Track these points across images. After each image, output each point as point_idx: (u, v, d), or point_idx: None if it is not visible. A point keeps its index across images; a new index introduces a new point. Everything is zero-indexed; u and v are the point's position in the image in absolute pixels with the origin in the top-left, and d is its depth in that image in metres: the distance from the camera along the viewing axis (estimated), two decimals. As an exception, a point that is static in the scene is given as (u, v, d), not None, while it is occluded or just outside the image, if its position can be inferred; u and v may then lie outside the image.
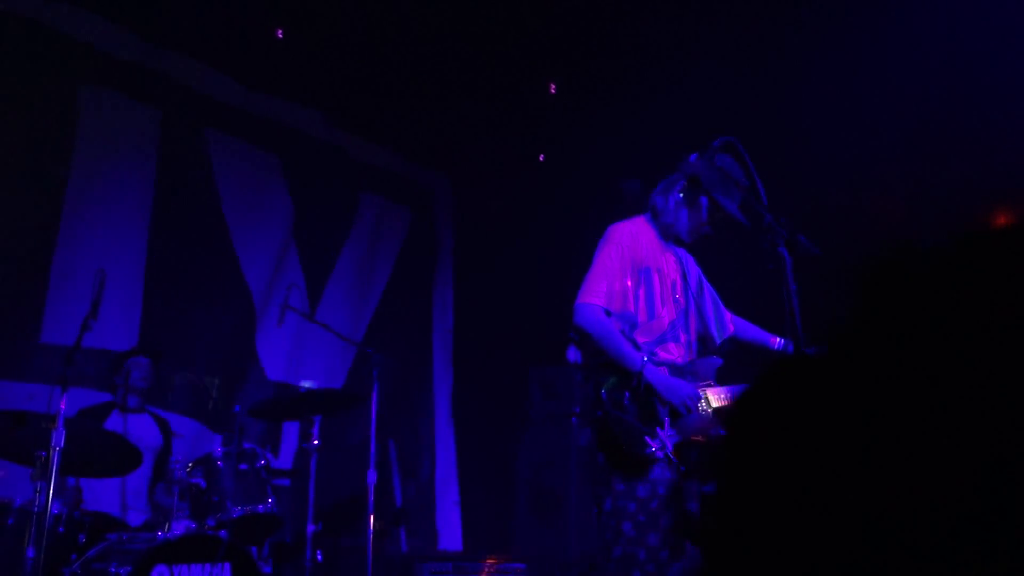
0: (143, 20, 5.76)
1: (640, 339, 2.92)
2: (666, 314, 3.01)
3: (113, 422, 4.62)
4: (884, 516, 0.54)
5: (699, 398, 2.87)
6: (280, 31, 5.96)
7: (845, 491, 0.56)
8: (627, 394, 2.78)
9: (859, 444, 0.56)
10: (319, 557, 4.21)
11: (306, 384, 4.71)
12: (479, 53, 6.19)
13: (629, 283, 2.95)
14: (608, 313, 2.89)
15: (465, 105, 6.69)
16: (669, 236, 3.17)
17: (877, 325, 0.60)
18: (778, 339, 3.22)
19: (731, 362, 3.09)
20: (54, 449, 3.33)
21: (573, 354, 2.98)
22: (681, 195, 3.10)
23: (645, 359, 2.82)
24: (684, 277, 3.16)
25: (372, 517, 4.27)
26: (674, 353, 2.99)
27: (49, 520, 3.30)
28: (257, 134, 6.56)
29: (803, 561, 0.57)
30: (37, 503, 3.32)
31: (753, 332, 3.32)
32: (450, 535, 7.18)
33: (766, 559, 0.58)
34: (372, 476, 4.34)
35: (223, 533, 3.74)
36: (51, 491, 3.29)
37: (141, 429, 4.72)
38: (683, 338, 3.05)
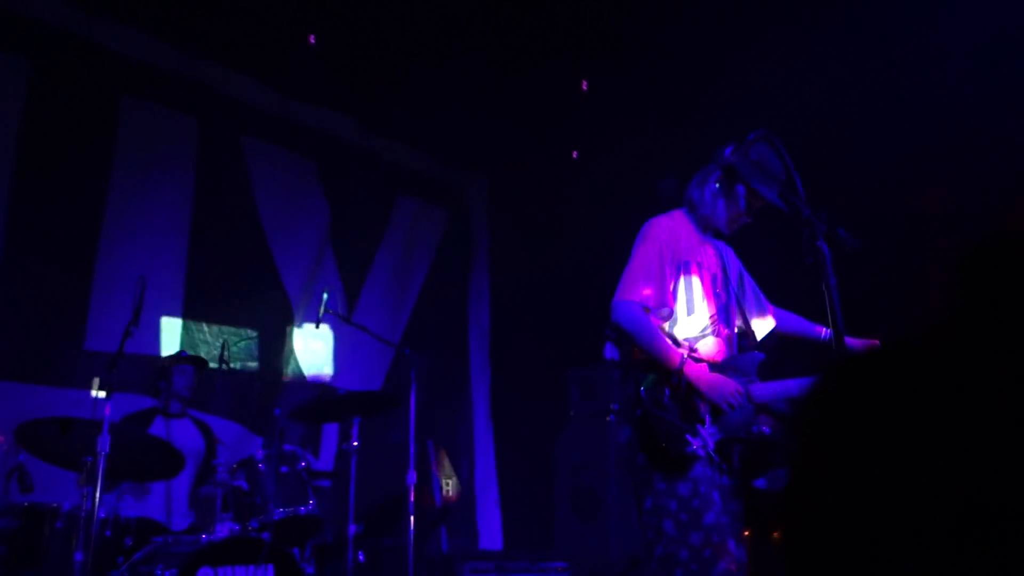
0: (179, 31, 5.85)
1: (680, 335, 2.89)
2: (706, 309, 2.96)
3: (157, 427, 4.69)
4: (988, 511, 0.52)
5: (741, 394, 2.83)
6: (312, 37, 6.00)
7: (944, 482, 0.54)
8: (667, 391, 2.75)
9: (963, 434, 0.54)
10: (361, 557, 4.24)
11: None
12: (510, 52, 6.17)
13: (668, 278, 2.91)
14: (647, 310, 2.85)
15: (498, 105, 6.69)
16: (707, 229, 3.12)
17: (980, 313, 0.58)
18: (825, 329, 3.13)
19: (774, 357, 3.04)
20: (100, 454, 3.39)
21: (611, 352, 2.95)
22: (717, 185, 3.05)
23: (685, 355, 2.78)
24: (724, 270, 3.11)
25: (412, 517, 4.29)
26: (715, 349, 2.94)
27: (96, 524, 3.35)
28: (292, 140, 6.63)
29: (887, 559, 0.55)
30: (84, 508, 3.38)
31: (798, 323, 3.25)
32: (491, 534, 7.18)
33: (846, 557, 0.57)
34: (412, 476, 4.36)
35: (266, 535, 3.78)
36: (98, 496, 3.35)
37: (184, 434, 4.78)
38: (724, 333, 3.00)
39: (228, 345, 4.58)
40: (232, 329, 5.96)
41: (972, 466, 0.54)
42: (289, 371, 6.27)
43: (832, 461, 0.60)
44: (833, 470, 0.59)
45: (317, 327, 5.04)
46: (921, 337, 0.61)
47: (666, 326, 2.88)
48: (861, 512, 0.57)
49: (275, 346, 6.24)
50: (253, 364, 6.08)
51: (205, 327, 5.81)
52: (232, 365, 5.45)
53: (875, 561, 0.56)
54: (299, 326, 6.36)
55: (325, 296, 4.86)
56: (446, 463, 6.43)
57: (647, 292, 2.87)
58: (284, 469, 4.16)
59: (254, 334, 6.09)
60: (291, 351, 6.32)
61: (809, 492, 0.61)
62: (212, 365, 5.07)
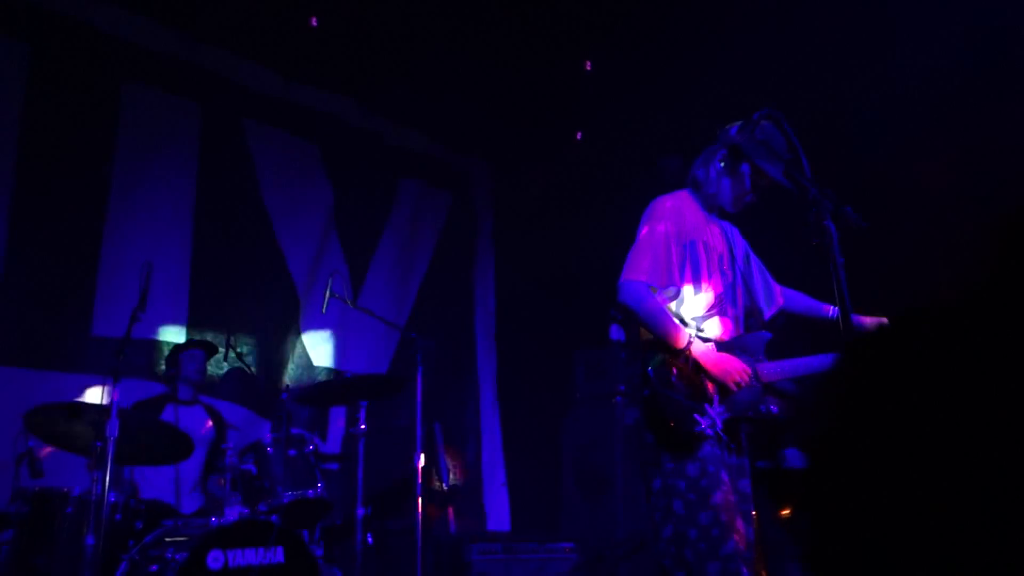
0: (180, 15, 5.83)
1: (686, 314, 2.88)
2: (713, 288, 2.95)
3: (167, 413, 4.71)
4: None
5: (748, 373, 2.83)
6: (314, 19, 5.97)
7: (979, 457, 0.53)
8: (674, 371, 2.74)
9: (981, 410, 0.54)
10: (369, 540, 4.26)
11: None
12: (513, 33, 6.14)
13: (674, 257, 2.89)
14: (653, 289, 2.84)
15: (500, 86, 6.66)
16: (713, 208, 3.11)
17: (1014, 283, 0.57)
18: (832, 308, 3.13)
19: (781, 336, 3.03)
20: (109, 439, 3.41)
21: (616, 333, 2.96)
22: (722, 164, 3.03)
23: (692, 335, 2.78)
24: (730, 250, 3.10)
25: (420, 499, 4.31)
26: (722, 328, 2.93)
27: (106, 508, 3.37)
28: (295, 123, 6.61)
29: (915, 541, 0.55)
30: (94, 492, 3.40)
31: (805, 302, 3.25)
32: (498, 516, 7.22)
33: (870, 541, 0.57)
34: (419, 459, 4.37)
35: (275, 518, 3.80)
36: (107, 480, 3.37)
37: (194, 419, 4.81)
38: (731, 312, 2.99)
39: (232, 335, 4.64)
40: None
41: (989, 443, 0.53)
42: (296, 355, 6.29)
43: (852, 439, 0.60)
44: (853, 449, 0.59)
45: (323, 311, 5.05)
46: (932, 313, 0.60)
47: (672, 306, 2.87)
48: (880, 492, 0.57)
49: (281, 330, 6.25)
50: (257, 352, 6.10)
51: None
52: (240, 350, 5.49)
53: (896, 541, 0.55)
54: (305, 309, 6.37)
55: (331, 280, 4.86)
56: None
57: (653, 272, 2.85)
58: (292, 452, 4.18)
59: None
60: (297, 335, 6.33)
61: (829, 472, 0.61)
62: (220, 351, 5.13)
